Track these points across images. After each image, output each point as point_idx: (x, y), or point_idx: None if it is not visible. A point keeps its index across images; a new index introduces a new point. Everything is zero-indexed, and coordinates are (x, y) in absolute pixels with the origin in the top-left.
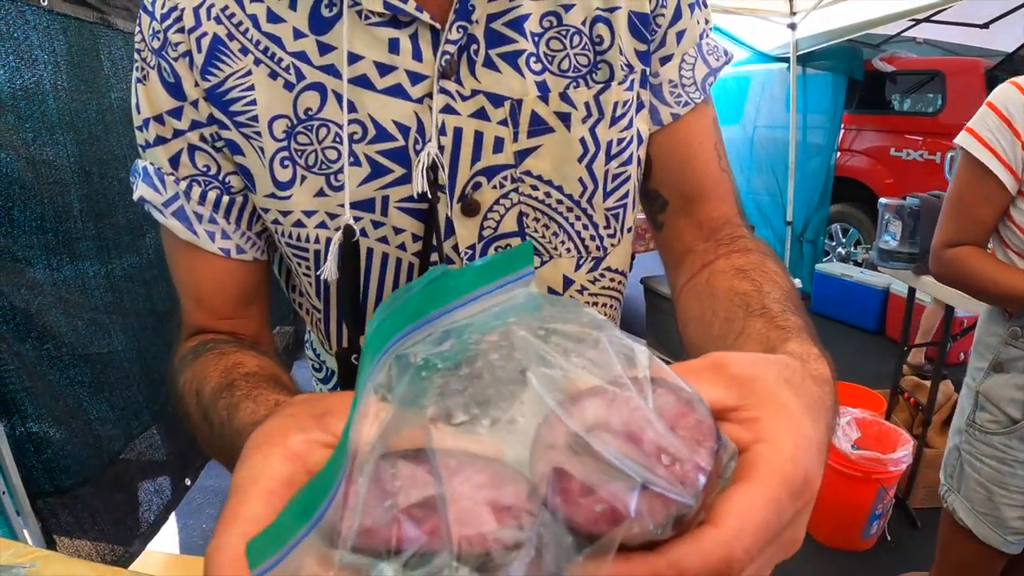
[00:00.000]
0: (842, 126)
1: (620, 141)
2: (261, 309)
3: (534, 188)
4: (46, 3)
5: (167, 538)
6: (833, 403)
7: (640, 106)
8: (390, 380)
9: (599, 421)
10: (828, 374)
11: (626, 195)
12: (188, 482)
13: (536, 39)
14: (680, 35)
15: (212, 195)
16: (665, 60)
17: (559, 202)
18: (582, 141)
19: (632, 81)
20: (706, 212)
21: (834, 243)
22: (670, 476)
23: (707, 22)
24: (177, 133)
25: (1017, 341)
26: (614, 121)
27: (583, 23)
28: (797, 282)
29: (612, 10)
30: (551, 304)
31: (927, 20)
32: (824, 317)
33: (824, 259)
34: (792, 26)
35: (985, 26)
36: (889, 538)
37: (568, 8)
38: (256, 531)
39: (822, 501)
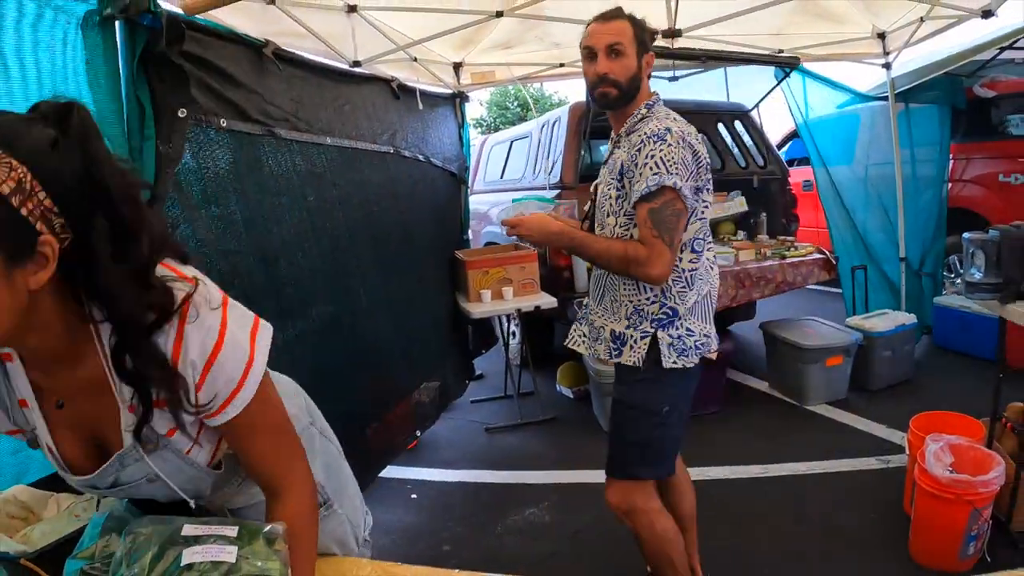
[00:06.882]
0: (951, 156)
1: None
2: None
3: None
4: (225, 124)
5: None
6: None
7: None
8: None
9: None
10: None
11: None
12: None
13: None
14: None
15: None
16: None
17: None
18: None
19: None
20: None
21: (952, 275)
22: None
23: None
24: None
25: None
26: None
27: None
28: (911, 317)
29: None
30: None
31: (1011, 47)
32: (947, 350)
33: (943, 291)
34: (887, 66)
35: None
36: (989, 559)
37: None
38: None
39: (918, 522)
